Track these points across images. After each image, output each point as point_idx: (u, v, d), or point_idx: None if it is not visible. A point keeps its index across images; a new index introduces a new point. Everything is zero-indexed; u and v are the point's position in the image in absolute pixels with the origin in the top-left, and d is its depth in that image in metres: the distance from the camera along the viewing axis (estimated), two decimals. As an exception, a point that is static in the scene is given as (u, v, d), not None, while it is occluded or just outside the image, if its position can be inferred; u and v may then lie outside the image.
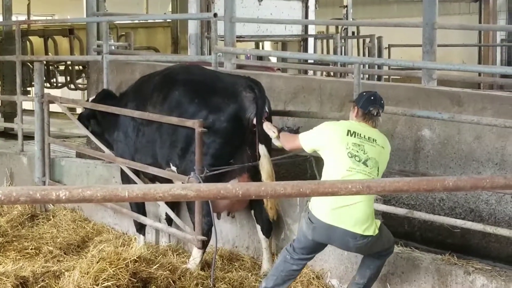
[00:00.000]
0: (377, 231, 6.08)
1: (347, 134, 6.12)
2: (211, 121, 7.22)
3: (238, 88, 7.34)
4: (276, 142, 6.94)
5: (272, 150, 7.31)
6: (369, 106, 6.25)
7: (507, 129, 7.40)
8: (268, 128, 7.06)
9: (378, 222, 6.19)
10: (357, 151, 6.05)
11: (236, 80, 7.59)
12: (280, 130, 6.97)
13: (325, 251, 7.21)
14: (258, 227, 7.61)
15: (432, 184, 3.03)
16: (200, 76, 7.84)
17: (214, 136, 7.21)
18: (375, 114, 6.26)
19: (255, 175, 7.27)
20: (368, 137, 6.15)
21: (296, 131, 6.96)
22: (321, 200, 6.06)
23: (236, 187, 2.86)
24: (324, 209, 6.04)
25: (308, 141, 6.38)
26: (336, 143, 6.11)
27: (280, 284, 6.39)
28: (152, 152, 7.86)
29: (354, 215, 5.99)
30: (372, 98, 6.30)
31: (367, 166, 6.04)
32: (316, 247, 6.36)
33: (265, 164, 7.13)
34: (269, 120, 7.31)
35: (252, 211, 7.65)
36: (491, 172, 7.76)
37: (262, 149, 7.16)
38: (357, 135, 6.12)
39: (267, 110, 7.29)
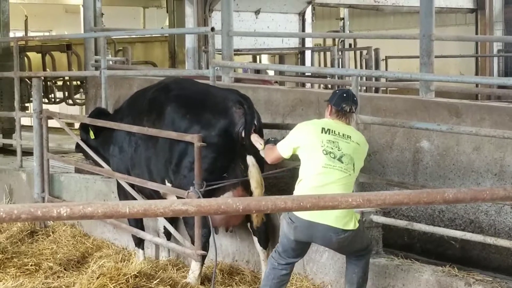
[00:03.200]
0: (357, 225, 6.15)
1: (322, 132, 6.20)
2: (203, 136, 7.30)
3: (228, 103, 7.47)
4: (264, 155, 6.99)
5: (267, 164, 7.33)
6: (342, 103, 6.31)
7: (506, 140, 7.41)
8: (255, 140, 7.15)
9: (358, 216, 6.27)
10: (332, 148, 6.12)
11: (226, 95, 7.69)
12: (266, 142, 7.01)
13: (325, 264, 7.21)
14: (255, 239, 7.64)
15: (432, 197, 3.04)
16: (192, 92, 7.93)
17: (206, 151, 7.29)
18: (348, 110, 6.31)
19: (249, 188, 7.33)
20: (343, 134, 6.21)
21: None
22: (299, 194, 6.08)
23: (237, 202, 2.86)
24: None
25: (285, 146, 6.43)
26: (312, 141, 6.19)
27: None
28: (148, 168, 7.92)
29: (334, 210, 5.99)
30: (344, 95, 6.37)
31: (342, 163, 6.11)
32: (300, 248, 6.39)
33: (254, 173, 7.23)
34: (260, 133, 7.39)
35: (249, 224, 7.68)
36: (490, 183, 7.76)
37: (250, 159, 7.27)
38: (332, 132, 6.20)
39: (256, 123, 7.39)
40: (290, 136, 6.43)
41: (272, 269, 6.43)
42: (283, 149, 6.43)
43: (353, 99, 6.36)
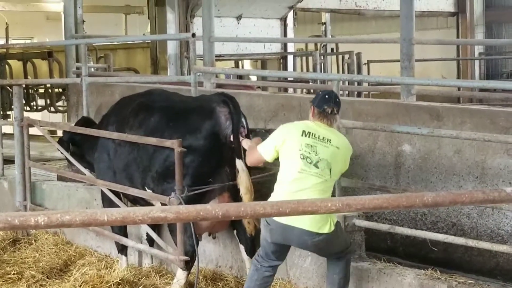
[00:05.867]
0: (333, 228, 6.16)
1: (302, 135, 6.21)
2: (188, 141, 7.21)
3: (212, 104, 7.35)
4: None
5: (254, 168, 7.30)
6: (324, 104, 6.31)
7: (487, 143, 7.44)
8: (245, 144, 7.08)
9: (335, 219, 6.27)
10: (309, 153, 6.13)
11: (210, 97, 7.62)
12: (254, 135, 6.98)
13: (308, 269, 7.22)
14: (242, 248, 7.60)
15: (411, 201, 3.05)
16: (176, 100, 7.85)
17: (193, 156, 7.21)
18: (329, 112, 6.30)
19: (236, 194, 7.26)
20: (323, 138, 6.22)
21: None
22: (276, 199, 6.13)
23: (216, 208, 2.86)
24: None
25: (266, 148, 6.41)
26: (291, 144, 6.20)
27: None
28: (129, 175, 7.88)
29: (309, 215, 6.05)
30: (326, 96, 6.37)
31: (318, 168, 6.12)
32: (278, 250, 6.41)
33: (243, 179, 7.13)
34: (247, 136, 7.31)
35: (235, 231, 7.64)
36: (472, 186, 7.80)
37: (240, 164, 7.16)
38: (312, 135, 6.20)
39: (244, 125, 7.30)
40: (271, 137, 6.42)
41: (255, 270, 6.47)
42: (264, 150, 6.41)
43: (335, 101, 6.35)
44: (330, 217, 6.18)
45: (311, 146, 6.16)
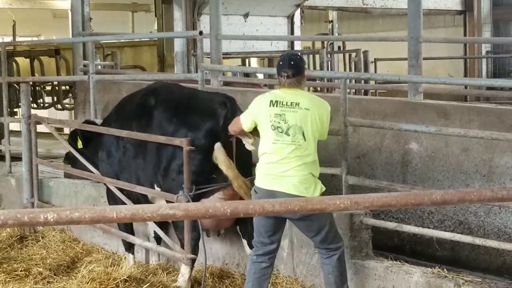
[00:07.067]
0: (317, 193, 6.21)
1: (270, 105, 6.28)
2: (190, 139, 7.29)
3: (213, 105, 7.47)
4: (249, 147, 6.90)
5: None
6: (280, 71, 6.37)
7: (494, 141, 7.44)
8: (243, 137, 7.06)
9: (320, 187, 6.30)
10: (279, 122, 6.22)
11: (212, 97, 7.73)
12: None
13: (315, 266, 7.22)
14: (245, 242, 7.62)
15: (419, 199, 3.05)
16: (179, 95, 7.92)
17: (194, 153, 7.26)
18: (285, 77, 6.32)
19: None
20: (291, 103, 6.26)
21: None
22: (260, 169, 6.32)
23: (225, 205, 2.87)
24: (263, 176, 6.28)
25: (244, 118, 6.53)
26: (262, 117, 6.31)
27: None
28: (136, 175, 7.92)
29: (291, 180, 6.17)
30: (281, 63, 6.42)
31: (289, 135, 6.21)
32: (272, 227, 6.42)
33: (219, 156, 7.11)
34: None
35: (238, 227, 7.67)
36: (479, 184, 7.78)
37: (217, 145, 7.17)
38: (279, 104, 6.27)
39: None
40: (248, 109, 6.53)
41: (252, 264, 6.50)
42: (243, 120, 6.54)
43: (289, 64, 6.35)
44: (315, 182, 6.26)
45: (280, 115, 6.23)
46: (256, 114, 6.37)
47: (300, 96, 6.34)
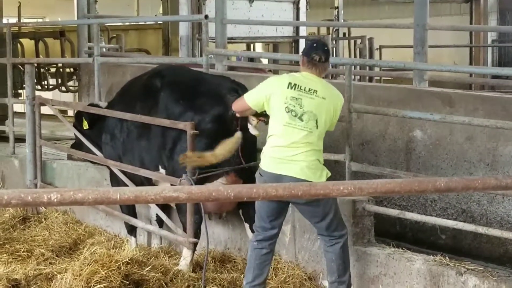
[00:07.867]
0: (323, 178, 6.22)
1: (288, 87, 6.24)
2: (196, 122, 7.27)
3: (222, 90, 7.44)
4: (253, 131, 6.87)
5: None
6: (312, 52, 6.35)
7: (499, 130, 7.41)
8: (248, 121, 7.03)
9: (326, 173, 6.31)
10: (294, 106, 6.19)
11: (220, 82, 7.72)
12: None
13: (317, 253, 7.22)
14: (247, 226, 7.64)
15: (423, 186, 3.04)
16: (186, 78, 7.91)
17: (200, 137, 7.25)
18: (317, 60, 6.32)
19: (242, 173, 7.35)
20: (309, 89, 6.24)
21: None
22: (267, 152, 6.28)
23: (228, 189, 2.86)
24: (269, 160, 6.24)
25: (251, 96, 6.47)
26: (276, 97, 6.25)
27: (259, 274, 6.47)
28: (139, 157, 7.91)
29: (299, 165, 6.15)
30: (314, 45, 6.43)
31: (302, 121, 6.18)
32: (274, 212, 6.42)
33: (229, 144, 6.91)
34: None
35: (240, 210, 7.68)
36: (482, 173, 7.78)
37: (238, 134, 6.98)
38: (297, 87, 6.23)
39: None
40: (259, 87, 6.47)
41: (253, 250, 6.51)
42: (250, 98, 6.46)
43: (323, 49, 6.37)
44: (321, 168, 6.27)
45: (296, 99, 6.20)
46: (269, 94, 6.30)
47: (319, 84, 6.33)
